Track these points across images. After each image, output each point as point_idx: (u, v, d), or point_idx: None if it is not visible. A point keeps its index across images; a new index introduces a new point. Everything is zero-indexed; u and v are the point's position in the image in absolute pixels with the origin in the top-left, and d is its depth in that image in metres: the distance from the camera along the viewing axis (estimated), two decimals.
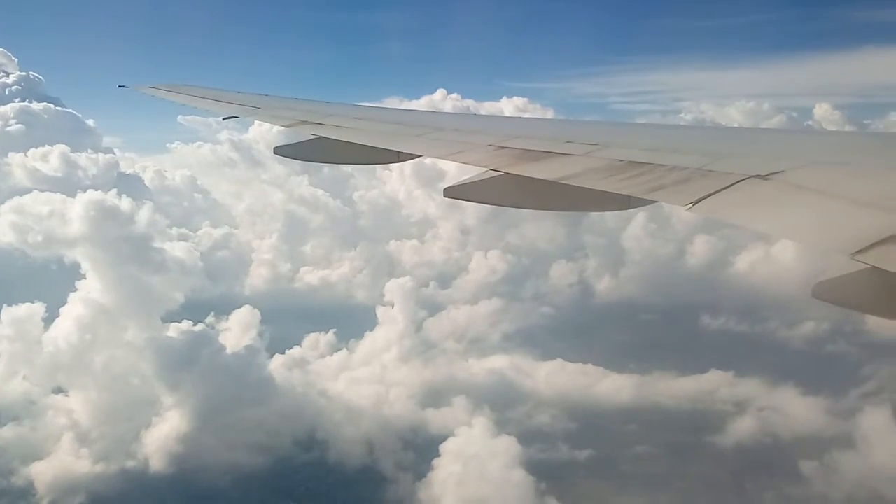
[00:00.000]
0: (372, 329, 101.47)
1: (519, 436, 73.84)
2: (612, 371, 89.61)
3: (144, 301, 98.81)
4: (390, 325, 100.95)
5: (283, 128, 10.67)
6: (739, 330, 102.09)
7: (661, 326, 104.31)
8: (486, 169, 6.51)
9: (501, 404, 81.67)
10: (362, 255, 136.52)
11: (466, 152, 7.32)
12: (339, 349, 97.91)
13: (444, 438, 73.67)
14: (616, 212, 6.26)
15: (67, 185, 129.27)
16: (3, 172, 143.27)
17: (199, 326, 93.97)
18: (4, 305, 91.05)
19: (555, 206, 6.46)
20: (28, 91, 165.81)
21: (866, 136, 6.98)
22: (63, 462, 72.70)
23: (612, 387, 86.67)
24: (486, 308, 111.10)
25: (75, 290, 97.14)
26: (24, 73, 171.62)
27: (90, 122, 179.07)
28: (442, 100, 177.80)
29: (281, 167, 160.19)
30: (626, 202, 5.73)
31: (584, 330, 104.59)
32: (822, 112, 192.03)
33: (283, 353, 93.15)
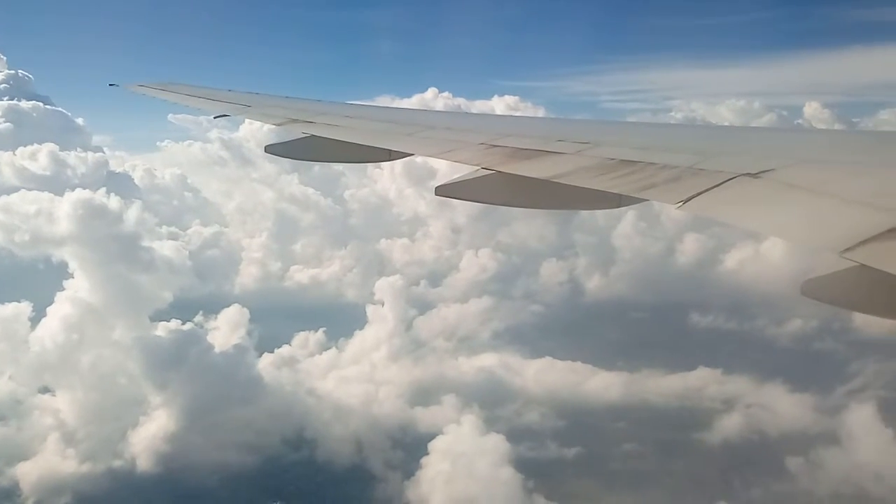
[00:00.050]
0: (362, 328, 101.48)
1: (508, 434, 73.97)
2: (601, 369, 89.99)
3: (132, 300, 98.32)
4: (380, 324, 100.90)
5: (274, 126, 10.65)
6: (728, 327, 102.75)
7: (651, 324, 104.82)
8: (477, 167, 6.52)
9: (490, 402, 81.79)
10: (353, 253, 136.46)
11: (458, 151, 7.33)
12: (329, 348, 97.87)
13: (432, 437, 73.76)
14: (606, 210, 6.28)
15: (56, 183, 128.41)
16: None
17: (188, 325, 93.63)
18: None
19: (546, 204, 6.48)
20: (17, 89, 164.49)
21: (855, 134, 7.05)
22: (49, 462, 72.16)
23: (601, 384, 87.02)
24: (477, 306, 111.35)
25: (63, 289, 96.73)
26: (12, 72, 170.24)
27: (79, 120, 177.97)
28: (433, 98, 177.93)
29: (271, 166, 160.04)
30: (617, 200, 5.75)
31: (573, 328, 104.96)
32: (812, 110, 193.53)
33: (272, 351, 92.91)
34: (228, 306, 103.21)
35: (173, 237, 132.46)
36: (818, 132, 11.66)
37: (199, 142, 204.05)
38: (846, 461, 67.81)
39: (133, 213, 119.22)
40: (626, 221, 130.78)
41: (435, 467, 69.59)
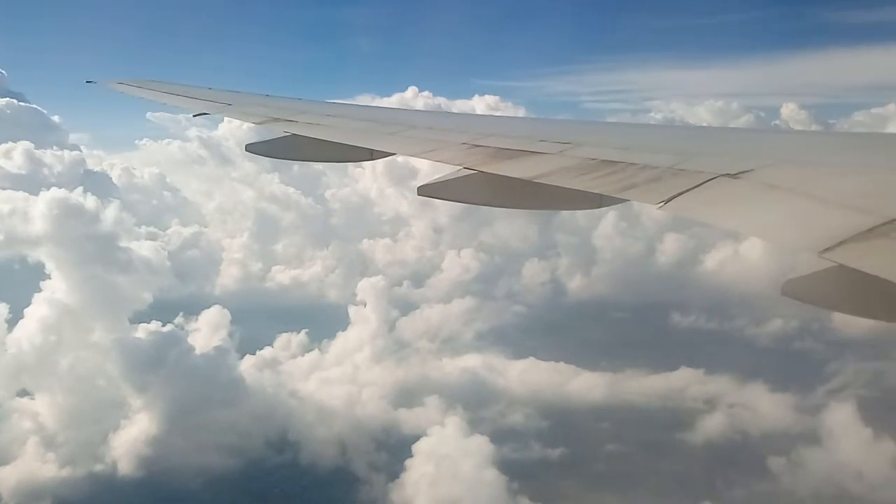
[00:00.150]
0: (344, 329, 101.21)
1: (491, 435, 74.09)
2: (584, 369, 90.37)
3: (111, 301, 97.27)
4: (363, 325, 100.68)
5: (253, 125, 10.57)
6: (709, 328, 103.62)
7: (632, 324, 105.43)
8: (459, 167, 6.49)
9: (474, 403, 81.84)
10: (334, 253, 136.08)
11: (440, 150, 7.30)
12: (311, 349, 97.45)
13: (416, 438, 73.70)
14: (587, 210, 6.28)
15: (32, 182, 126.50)
16: None
17: (168, 327, 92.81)
18: None
19: (528, 204, 6.47)
20: None
21: (833, 135, 7.10)
22: (28, 467, 71.24)
23: (585, 385, 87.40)
24: (459, 307, 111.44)
25: (40, 290, 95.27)
26: None
27: (55, 118, 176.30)
28: (413, 97, 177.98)
29: (251, 165, 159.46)
30: (599, 201, 5.75)
31: (556, 328, 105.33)
32: (789, 112, 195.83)
33: (254, 353, 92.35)
34: (209, 307, 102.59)
35: (152, 237, 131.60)
36: (796, 133, 11.77)
37: (177, 140, 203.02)
38: (827, 460, 68.61)
39: (111, 213, 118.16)
40: (606, 221, 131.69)
41: (419, 469, 69.56)
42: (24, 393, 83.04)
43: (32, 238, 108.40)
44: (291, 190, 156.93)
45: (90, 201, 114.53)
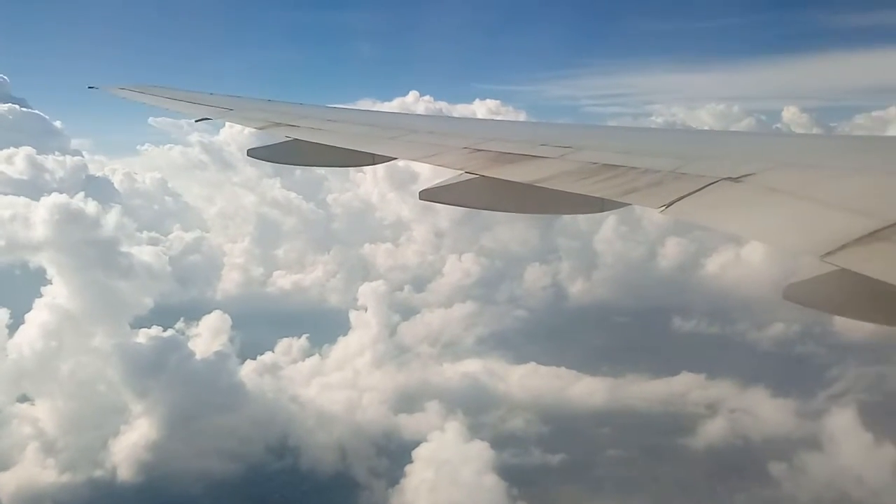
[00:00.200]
0: (345, 333, 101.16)
1: (492, 440, 73.94)
2: (586, 374, 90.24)
3: (112, 306, 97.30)
4: (364, 330, 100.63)
5: (254, 130, 10.58)
6: (710, 332, 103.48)
7: (634, 329, 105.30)
8: (461, 172, 6.50)
9: (475, 409, 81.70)
10: (336, 258, 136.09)
11: (441, 155, 7.31)
12: (312, 354, 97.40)
13: (417, 444, 73.53)
14: (588, 214, 6.29)
15: (33, 188, 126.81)
16: None
17: (169, 332, 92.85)
18: None
19: (529, 208, 6.47)
20: None
21: (834, 138, 7.11)
22: (28, 472, 71.13)
23: (586, 390, 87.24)
24: (461, 311, 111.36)
25: (41, 295, 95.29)
26: None
27: (57, 123, 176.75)
28: (414, 102, 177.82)
29: (252, 170, 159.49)
30: (600, 205, 5.75)
31: (557, 333, 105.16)
32: (790, 115, 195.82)
33: (254, 358, 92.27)
34: (210, 312, 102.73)
35: (154, 242, 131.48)
36: (797, 136, 11.78)
37: (179, 145, 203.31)
38: (828, 465, 68.41)
39: (112, 218, 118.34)
40: (607, 226, 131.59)
41: (419, 475, 69.41)
42: (24, 398, 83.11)
43: (33, 243, 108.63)
44: (293, 195, 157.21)
45: (91, 206, 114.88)
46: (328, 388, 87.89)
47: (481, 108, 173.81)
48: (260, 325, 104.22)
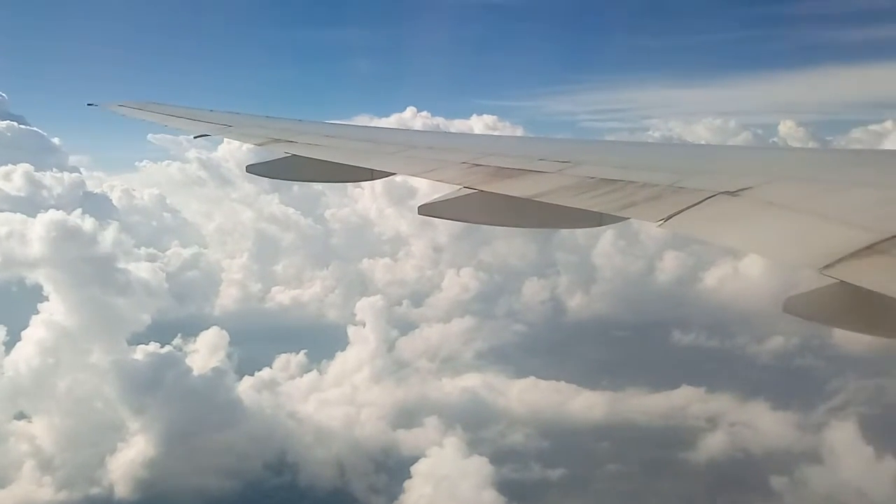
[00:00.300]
0: (343, 349, 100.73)
1: (491, 455, 73.56)
2: (585, 388, 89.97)
3: (109, 323, 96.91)
4: (362, 345, 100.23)
5: (253, 146, 10.62)
6: (710, 345, 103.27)
7: (633, 343, 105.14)
8: (459, 187, 6.52)
9: (474, 424, 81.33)
10: (334, 273, 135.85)
11: (440, 170, 7.34)
12: (310, 370, 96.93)
13: (415, 459, 73.16)
14: (587, 228, 6.30)
15: (31, 204, 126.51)
16: None
17: (166, 348, 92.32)
18: None
19: (528, 223, 6.49)
20: None
21: (831, 152, 7.14)
22: (25, 490, 70.65)
23: (585, 404, 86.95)
24: (459, 326, 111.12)
25: (37, 312, 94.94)
26: None
27: (55, 140, 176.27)
28: (412, 117, 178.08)
29: (250, 185, 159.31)
30: (599, 219, 5.77)
31: (556, 347, 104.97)
32: (787, 129, 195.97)
33: (252, 374, 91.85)
34: (208, 328, 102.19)
35: (152, 258, 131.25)
36: (794, 150, 11.84)
37: (177, 162, 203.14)
38: (829, 478, 68.12)
39: (110, 235, 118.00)
40: (605, 240, 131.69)
41: (418, 491, 69.00)
42: (21, 415, 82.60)
43: (30, 260, 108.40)
44: (291, 210, 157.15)
45: (88, 223, 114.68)
46: (326, 403, 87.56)
47: (479, 124, 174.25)
48: (258, 340, 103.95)
